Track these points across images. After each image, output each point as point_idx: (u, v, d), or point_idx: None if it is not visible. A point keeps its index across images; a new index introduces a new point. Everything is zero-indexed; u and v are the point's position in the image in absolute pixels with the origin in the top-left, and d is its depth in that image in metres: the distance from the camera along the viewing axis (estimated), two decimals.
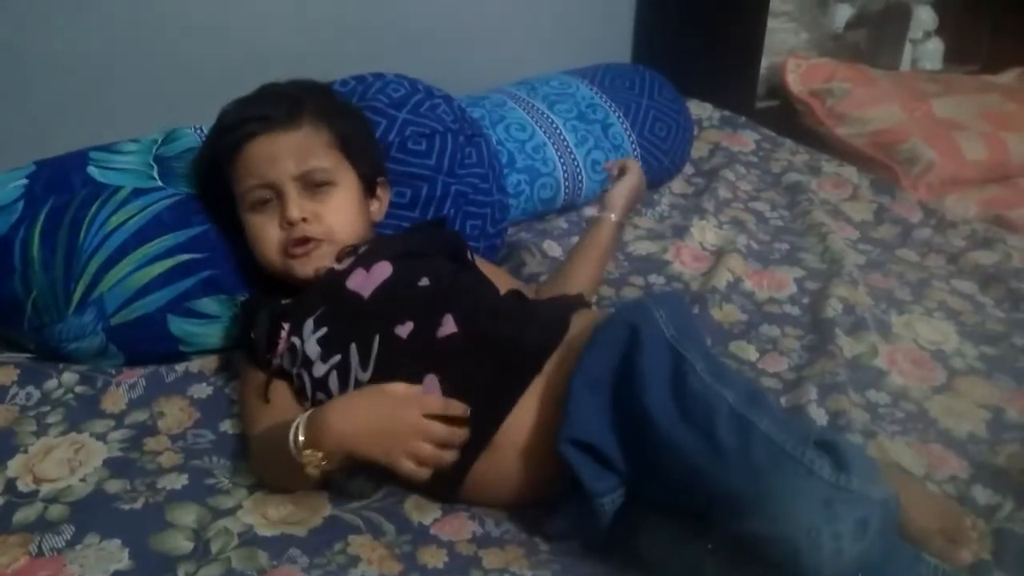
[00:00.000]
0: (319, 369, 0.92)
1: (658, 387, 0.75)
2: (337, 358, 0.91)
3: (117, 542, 0.81)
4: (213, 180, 1.04)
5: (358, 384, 0.89)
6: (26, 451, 0.94)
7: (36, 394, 1.03)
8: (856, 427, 0.97)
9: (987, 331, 1.20)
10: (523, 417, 0.85)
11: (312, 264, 0.99)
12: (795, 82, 1.94)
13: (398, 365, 0.88)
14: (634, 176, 1.19)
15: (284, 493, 0.88)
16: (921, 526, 0.80)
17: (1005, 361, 1.13)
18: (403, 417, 0.82)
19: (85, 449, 0.95)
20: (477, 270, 1.07)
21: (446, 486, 0.87)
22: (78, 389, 1.04)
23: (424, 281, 0.95)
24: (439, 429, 0.82)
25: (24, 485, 0.89)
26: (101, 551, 0.80)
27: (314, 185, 0.99)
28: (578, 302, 1.01)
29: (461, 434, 0.83)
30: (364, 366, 0.89)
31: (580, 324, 0.92)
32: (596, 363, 0.80)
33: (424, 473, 0.82)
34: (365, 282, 0.95)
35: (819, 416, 0.99)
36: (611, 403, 0.79)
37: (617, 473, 0.79)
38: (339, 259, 1.00)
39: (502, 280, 1.09)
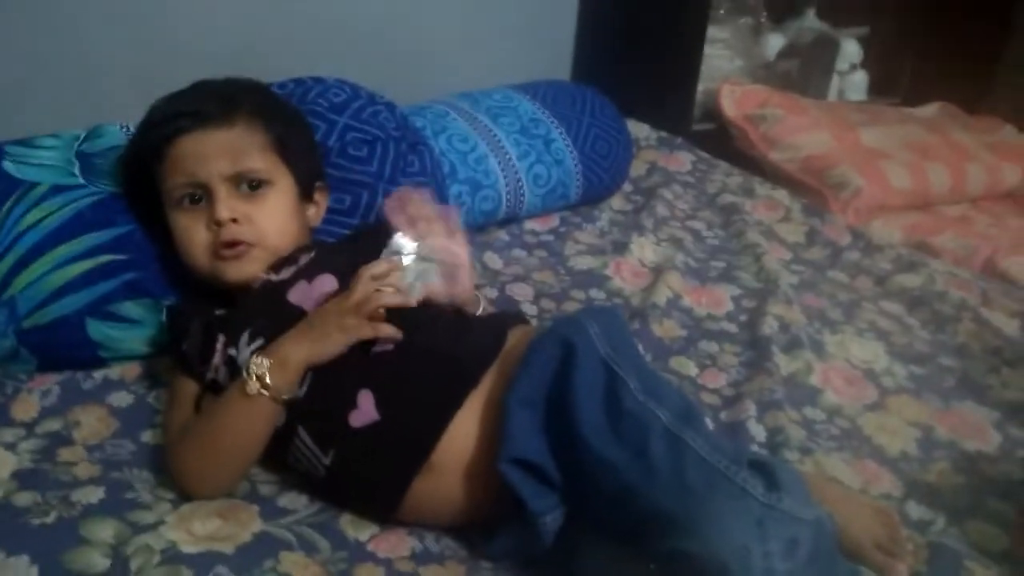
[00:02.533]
0: None
1: (590, 406, 0.76)
2: None
3: (25, 559, 0.75)
4: (139, 177, 0.99)
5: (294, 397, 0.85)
6: None
7: None
8: (793, 443, 0.98)
9: (915, 352, 1.23)
10: (461, 434, 0.83)
11: (242, 268, 0.94)
12: (730, 107, 1.98)
13: (335, 376, 0.85)
14: None
15: (206, 490, 0.84)
16: (858, 540, 0.81)
17: (932, 381, 1.16)
18: (342, 305, 0.86)
19: None
20: None
21: (383, 506, 0.84)
22: None
23: None
24: (364, 286, 0.86)
25: None
26: (7, 568, 0.74)
27: (247, 187, 0.95)
28: (516, 317, 1.01)
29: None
30: (300, 381, 0.85)
31: (517, 338, 0.90)
32: (530, 381, 0.80)
33: (385, 329, 0.85)
34: (307, 295, 0.91)
35: (758, 432, 1.00)
36: (545, 421, 0.79)
37: (556, 491, 0.78)
38: (275, 268, 0.95)
39: None
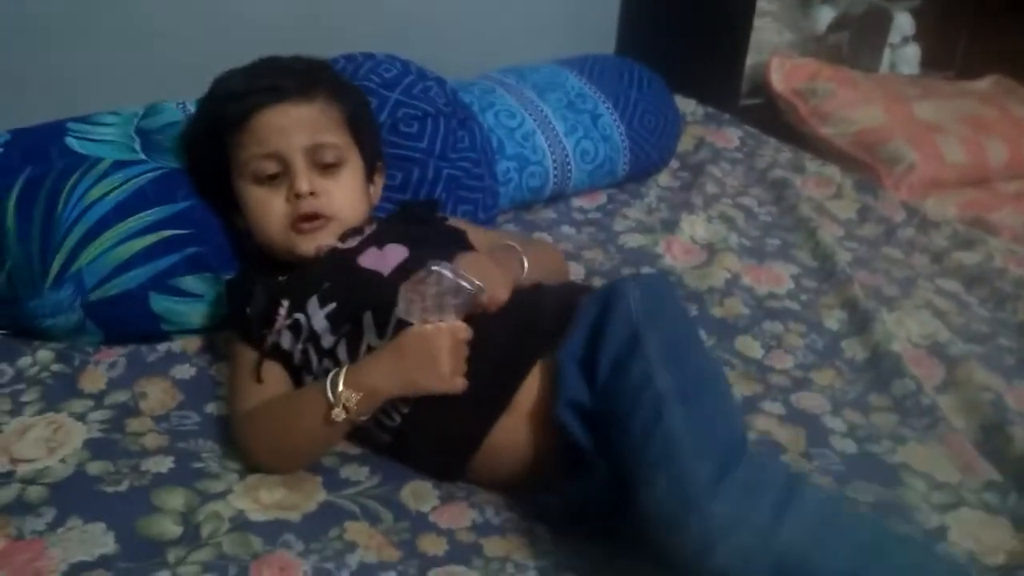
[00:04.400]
0: (327, 340, 0.90)
1: (610, 362, 0.80)
2: (347, 327, 0.89)
3: (101, 525, 0.77)
4: (207, 151, 1.00)
5: (369, 351, 0.88)
6: (0, 430, 0.89)
7: (9, 371, 0.98)
8: (883, 434, 0.98)
9: (973, 331, 1.21)
10: (530, 390, 0.86)
11: (316, 241, 0.96)
12: (779, 81, 1.94)
13: None
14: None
15: (271, 469, 0.86)
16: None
17: (992, 360, 1.14)
18: (435, 344, 0.83)
19: (64, 429, 0.90)
20: None
21: (458, 455, 0.87)
22: (54, 367, 1.00)
23: None
24: (464, 347, 0.85)
25: (0, 465, 0.85)
26: (84, 534, 0.76)
27: (323, 162, 0.97)
28: (585, 287, 1.03)
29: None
30: (381, 334, 0.87)
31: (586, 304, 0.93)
32: (576, 339, 0.85)
33: (465, 384, 0.84)
34: (380, 261, 0.93)
35: (836, 425, 1.00)
36: (588, 375, 0.83)
37: None
38: (340, 238, 0.97)
39: (501, 240, 1.08)
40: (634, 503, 0.72)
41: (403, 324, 0.85)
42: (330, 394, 0.82)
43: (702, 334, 1.08)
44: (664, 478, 0.70)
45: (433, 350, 0.82)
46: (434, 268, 0.83)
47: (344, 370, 0.83)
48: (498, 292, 0.88)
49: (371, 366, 0.84)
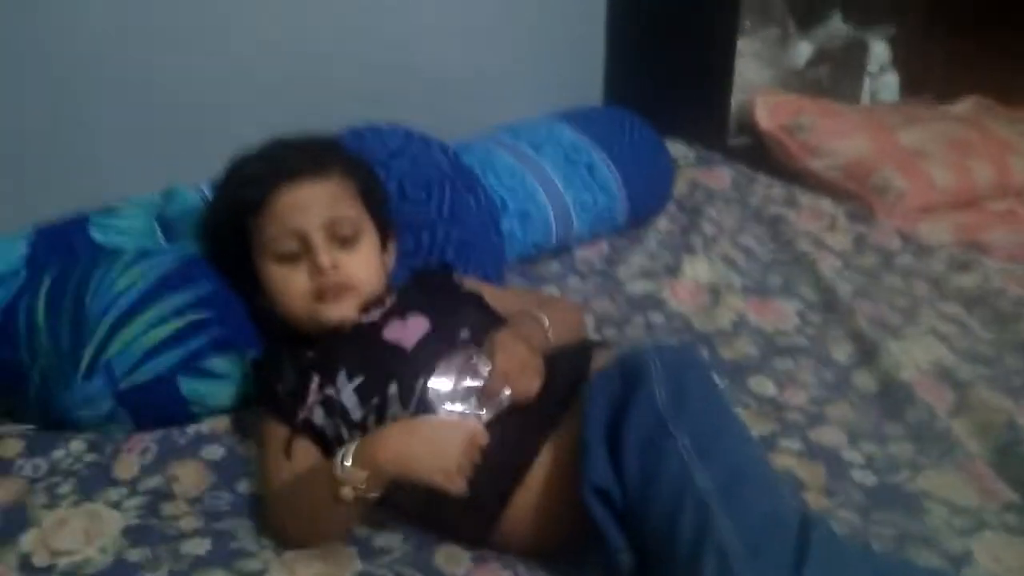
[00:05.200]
0: (357, 414, 0.92)
1: (636, 456, 0.78)
2: (375, 400, 0.91)
3: None
4: (228, 235, 1.04)
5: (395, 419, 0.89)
6: (39, 525, 0.91)
7: (44, 465, 1.00)
8: (901, 463, 1.00)
9: (979, 353, 1.24)
10: (548, 459, 0.87)
11: (341, 309, 0.99)
12: (765, 119, 1.99)
13: None
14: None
15: (303, 547, 0.87)
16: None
17: (999, 381, 1.16)
18: (453, 440, 0.82)
19: (100, 518, 0.92)
20: (504, 321, 1.07)
21: (485, 519, 0.87)
22: (87, 457, 1.01)
23: (464, 333, 0.96)
24: (477, 453, 0.84)
25: (40, 560, 0.86)
26: None
27: (341, 235, 1.00)
28: (597, 344, 1.04)
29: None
30: (405, 405, 0.90)
31: (600, 364, 0.94)
32: (597, 416, 0.83)
33: (462, 486, 0.82)
34: (404, 333, 0.96)
35: (854, 458, 1.02)
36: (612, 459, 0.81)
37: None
38: (363, 310, 1.00)
39: (518, 300, 1.12)
40: None
41: (425, 399, 0.87)
42: (339, 471, 0.82)
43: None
44: None
45: (445, 443, 0.82)
46: (472, 359, 0.87)
47: (354, 446, 0.84)
48: (532, 386, 0.89)
49: (379, 444, 0.84)
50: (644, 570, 0.80)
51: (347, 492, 0.82)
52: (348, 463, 0.82)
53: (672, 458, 0.76)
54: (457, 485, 0.82)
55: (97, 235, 1.08)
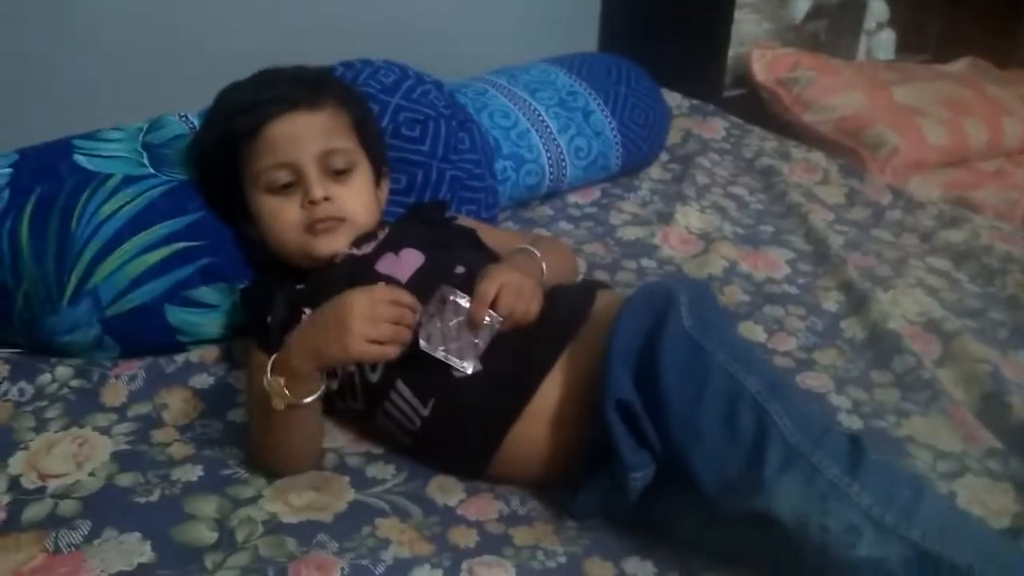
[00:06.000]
0: None
1: (675, 377, 0.78)
2: None
3: (137, 535, 0.79)
4: (218, 164, 1.01)
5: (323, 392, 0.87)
6: (27, 447, 0.91)
7: (30, 389, 0.99)
8: (887, 409, 1.01)
9: (966, 306, 1.25)
10: (556, 384, 0.87)
11: (333, 241, 0.98)
12: (761, 71, 1.98)
13: None
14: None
15: (281, 472, 0.87)
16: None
17: (986, 334, 1.18)
18: (350, 308, 0.81)
19: (89, 443, 0.92)
20: (499, 257, 1.06)
21: (479, 455, 0.87)
22: (74, 383, 1.01)
23: (459, 268, 0.95)
24: (385, 309, 0.81)
25: (29, 482, 0.86)
26: (121, 545, 0.78)
27: (334, 168, 0.98)
28: (600, 283, 1.03)
29: (408, 315, 0.83)
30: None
31: (605, 300, 0.94)
32: (625, 337, 0.82)
33: (390, 351, 0.81)
34: (397, 267, 0.95)
35: (841, 403, 1.02)
36: (636, 382, 0.81)
37: (650, 451, 0.80)
38: (356, 244, 0.99)
39: (513, 239, 1.10)
40: (747, 507, 0.72)
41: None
42: (266, 384, 0.82)
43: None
44: (795, 479, 0.71)
45: (345, 318, 0.80)
46: (451, 298, 0.84)
47: (273, 357, 0.83)
48: (532, 307, 0.88)
49: (290, 345, 0.83)
50: (659, 488, 0.80)
51: (276, 402, 0.81)
52: (269, 375, 0.82)
53: (717, 370, 0.77)
54: (371, 352, 0.81)
55: (82, 160, 1.05)
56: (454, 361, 0.86)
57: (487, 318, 0.85)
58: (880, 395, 1.04)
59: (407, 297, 0.84)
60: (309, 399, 0.83)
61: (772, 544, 0.73)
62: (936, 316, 1.20)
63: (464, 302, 0.86)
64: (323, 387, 0.85)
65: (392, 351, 0.82)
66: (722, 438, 0.75)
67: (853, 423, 1.00)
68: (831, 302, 1.23)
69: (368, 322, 0.80)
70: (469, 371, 0.86)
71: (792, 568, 0.73)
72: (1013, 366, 1.10)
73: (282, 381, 0.81)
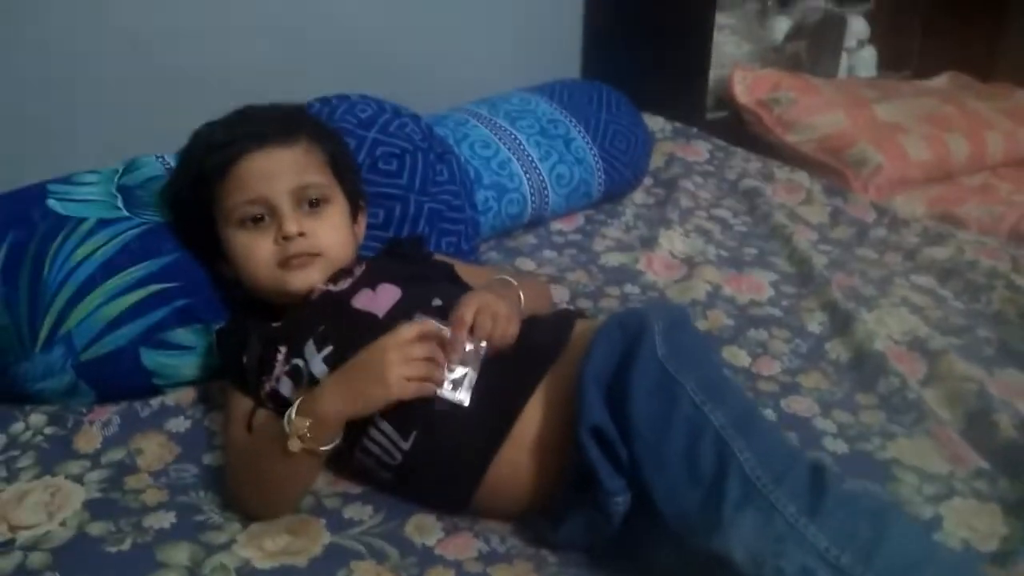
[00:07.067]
0: None
1: (644, 404, 0.78)
2: None
3: None
4: (191, 202, 1.01)
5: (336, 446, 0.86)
6: None
7: (2, 439, 0.98)
8: (873, 432, 1.00)
9: (951, 324, 1.24)
10: (536, 410, 0.86)
11: (307, 276, 0.97)
12: (743, 93, 1.98)
13: None
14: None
15: (262, 516, 0.86)
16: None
17: (972, 351, 1.17)
18: (385, 351, 0.83)
19: (62, 492, 0.90)
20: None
21: (464, 486, 0.86)
22: (47, 430, 0.99)
23: (436, 301, 0.94)
24: (416, 348, 0.83)
25: None
26: None
27: (308, 203, 0.98)
28: (578, 313, 1.03)
29: (439, 352, 0.85)
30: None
31: (583, 327, 0.93)
32: (599, 362, 0.82)
33: (428, 387, 0.83)
34: (374, 302, 0.94)
35: (826, 427, 1.01)
36: (608, 406, 0.81)
37: (624, 475, 0.79)
38: (332, 280, 0.98)
39: (489, 274, 1.09)
40: (705, 545, 0.72)
41: None
42: (286, 426, 0.82)
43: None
44: (752, 518, 0.70)
45: (381, 362, 0.82)
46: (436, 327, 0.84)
47: (299, 401, 0.83)
48: (509, 329, 0.88)
49: (321, 391, 0.84)
50: (638, 518, 0.80)
51: (294, 443, 0.81)
52: (295, 414, 0.82)
53: (684, 400, 0.77)
54: (408, 389, 0.82)
55: (55, 204, 1.05)
56: (447, 394, 0.85)
57: (468, 345, 0.85)
58: (865, 417, 1.03)
59: (431, 325, 0.85)
60: (327, 447, 0.83)
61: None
62: (921, 335, 1.19)
63: (445, 331, 0.85)
64: (339, 439, 0.84)
65: (430, 388, 0.84)
66: (682, 471, 0.75)
67: (838, 447, 0.99)
68: (815, 324, 1.22)
69: (404, 362, 0.82)
70: (466, 403, 0.85)
71: None
72: (999, 384, 1.09)
73: (307, 423, 0.81)
